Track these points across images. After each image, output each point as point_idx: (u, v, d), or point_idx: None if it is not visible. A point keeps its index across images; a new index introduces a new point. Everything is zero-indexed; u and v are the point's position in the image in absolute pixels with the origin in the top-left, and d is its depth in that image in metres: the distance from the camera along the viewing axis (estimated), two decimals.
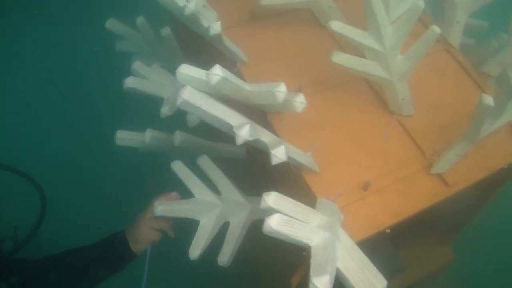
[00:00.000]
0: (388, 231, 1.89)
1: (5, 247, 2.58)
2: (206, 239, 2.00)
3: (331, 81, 2.17)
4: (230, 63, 2.19)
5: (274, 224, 1.44)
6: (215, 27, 1.90)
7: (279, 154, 1.64)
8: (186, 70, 1.67)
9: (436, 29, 1.88)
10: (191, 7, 1.84)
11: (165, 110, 2.12)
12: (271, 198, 1.51)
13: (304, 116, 1.88)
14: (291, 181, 1.98)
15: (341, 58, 1.98)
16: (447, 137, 2.04)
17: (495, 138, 2.01)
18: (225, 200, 2.08)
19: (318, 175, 1.94)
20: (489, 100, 1.74)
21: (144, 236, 2.11)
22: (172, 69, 2.30)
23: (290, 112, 1.80)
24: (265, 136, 1.73)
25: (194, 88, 1.62)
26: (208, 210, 2.05)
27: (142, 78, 2.27)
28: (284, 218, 1.46)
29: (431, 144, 2.07)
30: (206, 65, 2.08)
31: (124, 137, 2.24)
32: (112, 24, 2.48)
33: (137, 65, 2.30)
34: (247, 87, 1.70)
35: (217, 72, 1.59)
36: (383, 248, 1.93)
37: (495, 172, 2.10)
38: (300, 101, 1.75)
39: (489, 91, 2.28)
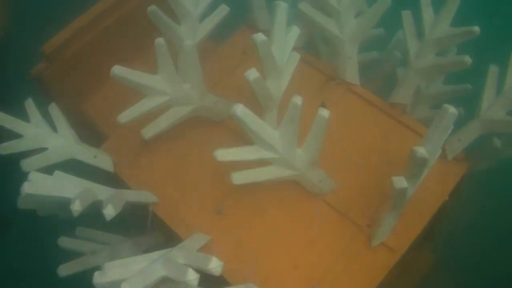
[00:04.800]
0: None
1: None
2: None
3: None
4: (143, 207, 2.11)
5: None
6: (109, 212, 1.80)
7: None
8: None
9: (324, 112, 1.80)
10: (76, 209, 1.75)
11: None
12: None
13: (236, 239, 1.91)
14: None
15: (242, 178, 1.91)
16: (378, 194, 2.01)
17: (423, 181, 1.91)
18: None
19: None
20: (401, 183, 1.69)
21: None
22: None
23: None
24: None
25: None
26: None
27: None
28: None
29: (364, 212, 2.01)
30: None
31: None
32: None
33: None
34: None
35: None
36: None
37: (437, 212, 2.05)
38: (215, 266, 1.68)
39: (405, 119, 2.22)
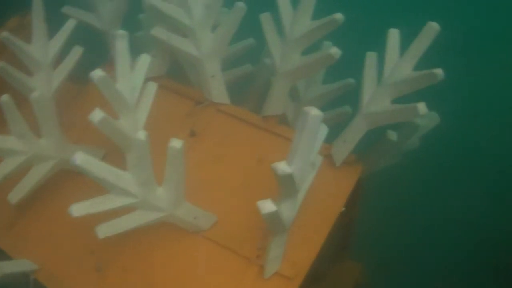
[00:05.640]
0: None
1: None
2: None
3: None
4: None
5: None
6: None
7: None
8: None
9: (176, 143, 1.59)
10: None
11: None
12: None
13: None
14: None
15: (107, 230, 1.69)
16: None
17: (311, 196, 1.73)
18: None
19: None
20: (268, 207, 1.47)
21: None
22: None
23: None
24: None
25: None
26: None
27: None
28: None
29: (252, 242, 1.80)
30: None
31: None
32: None
33: None
34: None
35: None
36: None
37: (334, 224, 1.86)
38: None
39: (283, 131, 2.04)
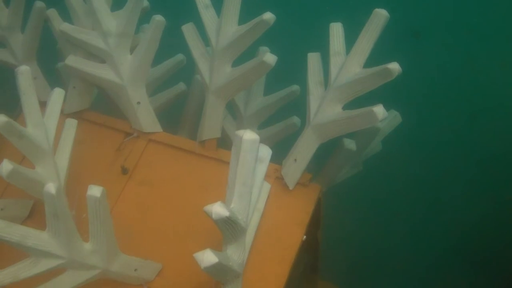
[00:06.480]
0: None
1: None
2: None
3: None
4: None
5: None
6: None
7: None
8: None
9: (94, 191, 1.36)
10: None
11: None
12: None
13: None
14: None
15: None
16: None
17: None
18: None
19: None
20: (207, 259, 1.24)
21: None
22: None
23: None
24: None
25: None
26: None
27: None
28: None
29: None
30: None
31: None
32: None
33: None
34: None
35: None
36: None
37: (297, 255, 1.65)
38: None
39: (224, 156, 1.82)
